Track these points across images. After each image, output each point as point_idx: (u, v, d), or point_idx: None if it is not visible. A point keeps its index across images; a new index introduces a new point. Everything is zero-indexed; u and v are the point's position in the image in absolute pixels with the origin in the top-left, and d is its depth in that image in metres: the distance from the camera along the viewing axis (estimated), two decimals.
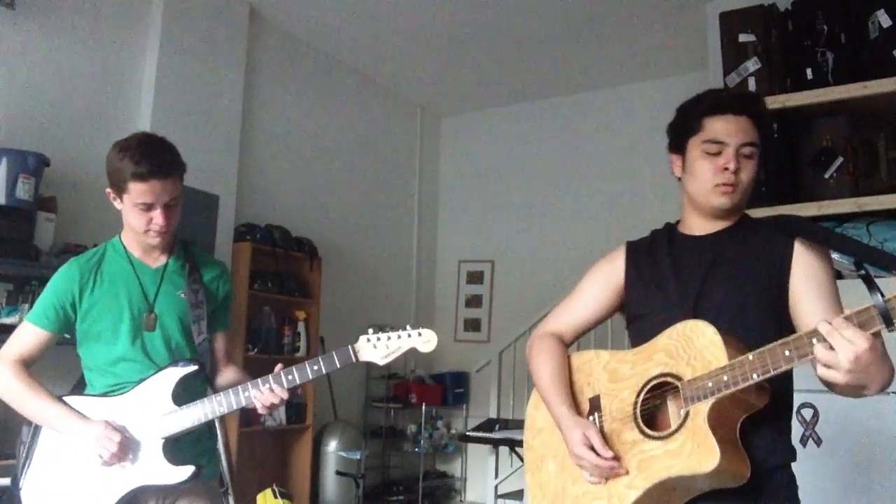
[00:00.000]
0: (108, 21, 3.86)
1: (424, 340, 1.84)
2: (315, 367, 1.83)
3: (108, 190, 1.89)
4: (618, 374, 1.52)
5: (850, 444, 2.84)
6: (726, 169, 1.46)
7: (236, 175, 4.43)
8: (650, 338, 1.47)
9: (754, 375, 1.25)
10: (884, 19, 3.10)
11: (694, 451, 1.29)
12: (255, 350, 4.35)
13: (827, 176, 3.09)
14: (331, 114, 5.38)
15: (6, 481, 2.78)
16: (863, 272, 1.22)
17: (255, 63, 4.70)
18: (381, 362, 1.85)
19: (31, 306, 3.07)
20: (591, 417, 1.52)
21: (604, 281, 1.68)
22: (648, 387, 1.43)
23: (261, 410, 1.86)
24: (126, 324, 1.91)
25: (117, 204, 1.90)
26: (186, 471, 1.81)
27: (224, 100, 4.38)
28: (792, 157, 3.20)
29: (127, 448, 1.81)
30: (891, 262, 1.35)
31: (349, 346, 1.84)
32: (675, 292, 1.52)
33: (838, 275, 3.12)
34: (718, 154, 1.47)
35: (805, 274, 1.44)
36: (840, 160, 3.06)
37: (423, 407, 5.49)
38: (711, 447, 1.27)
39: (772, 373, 1.23)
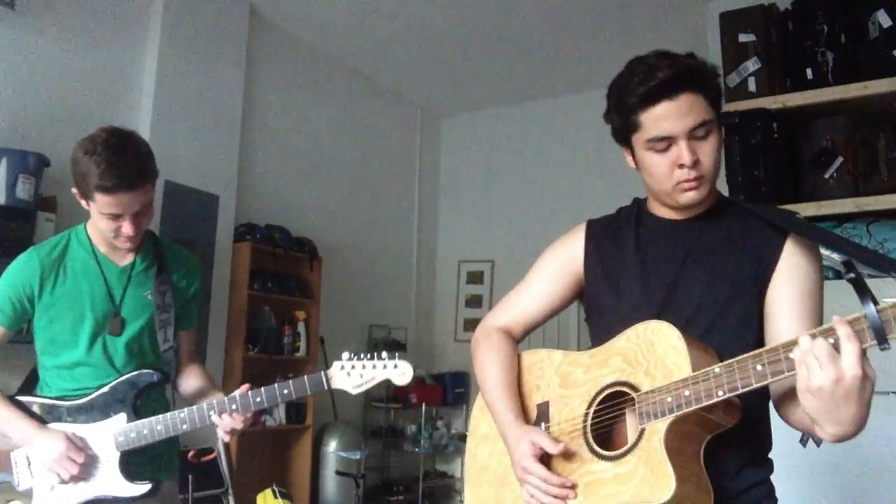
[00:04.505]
0: (108, 21, 3.85)
1: (400, 373, 1.74)
2: (285, 391, 1.72)
3: (74, 190, 1.75)
4: (570, 379, 1.33)
5: (850, 445, 2.83)
6: (682, 165, 1.24)
7: (236, 175, 4.42)
8: (610, 337, 1.28)
9: (720, 392, 1.08)
10: (884, 19, 3.10)
11: (646, 477, 1.11)
12: (256, 350, 4.35)
13: (827, 176, 3.09)
14: (330, 114, 5.38)
15: None
16: (852, 275, 1.02)
17: (255, 63, 4.70)
18: (353, 392, 1.74)
19: None
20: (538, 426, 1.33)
21: (559, 268, 1.47)
22: (601, 397, 1.25)
23: (221, 436, 1.75)
24: (88, 326, 1.80)
25: (84, 205, 1.77)
26: (142, 488, 1.75)
27: (224, 100, 4.38)
28: (792, 157, 3.21)
29: (86, 466, 1.72)
30: (891, 266, 1.09)
31: (321, 372, 1.74)
32: (642, 286, 1.32)
33: (837, 275, 3.14)
34: (668, 148, 1.25)
35: (790, 278, 1.23)
36: (840, 160, 3.06)
37: (423, 407, 5.48)
38: (666, 475, 1.08)
39: (740, 390, 1.06)
